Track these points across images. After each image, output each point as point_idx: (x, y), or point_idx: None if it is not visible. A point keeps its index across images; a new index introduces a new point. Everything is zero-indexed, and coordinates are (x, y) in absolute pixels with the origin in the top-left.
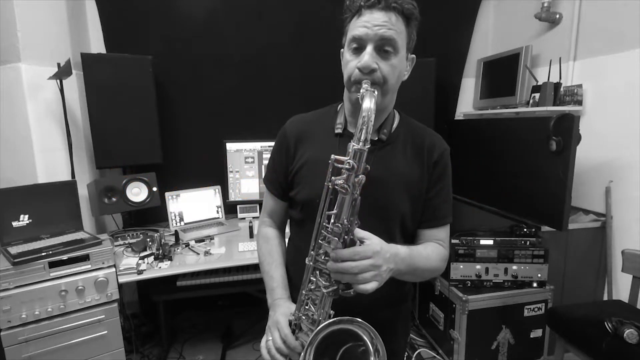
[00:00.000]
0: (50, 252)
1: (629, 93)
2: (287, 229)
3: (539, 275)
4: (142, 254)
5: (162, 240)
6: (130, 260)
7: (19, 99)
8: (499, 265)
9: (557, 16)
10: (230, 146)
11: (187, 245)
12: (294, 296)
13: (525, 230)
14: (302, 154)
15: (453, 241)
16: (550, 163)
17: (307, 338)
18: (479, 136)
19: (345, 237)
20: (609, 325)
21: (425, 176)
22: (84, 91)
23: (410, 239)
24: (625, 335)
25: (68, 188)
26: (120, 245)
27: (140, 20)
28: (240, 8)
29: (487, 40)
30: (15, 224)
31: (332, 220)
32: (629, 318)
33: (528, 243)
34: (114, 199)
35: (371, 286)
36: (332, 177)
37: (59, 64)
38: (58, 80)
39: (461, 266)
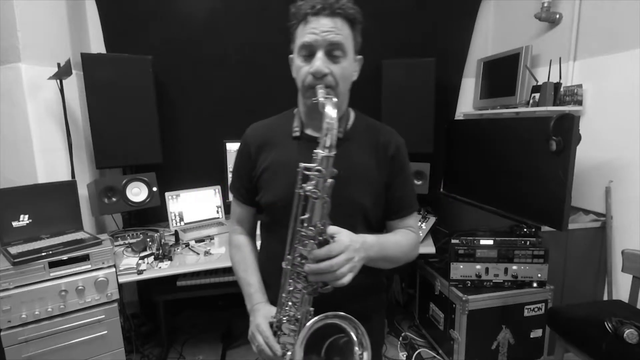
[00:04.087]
0: (50, 252)
1: (628, 93)
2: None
3: (539, 275)
4: (142, 254)
5: (162, 240)
6: (130, 260)
7: (19, 99)
8: (499, 265)
9: (557, 16)
10: (230, 146)
11: (187, 245)
12: (270, 300)
13: (525, 230)
14: (264, 158)
15: (453, 241)
16: (550, 163)
17: (288, 339)
18: (479, 136)
19: (320, 238)
20: (609, 325)
21: (384, 171)
22: (84, 91)
23: (374, 231)
24: (625, 335)
25: (68, 188)
26: (120, 245)
27: (140, 20)
28: (240, 8)
29: (487, 40)
30: (15, 224)
31: (305, 224)
32: (629, 318)
33: (528, 243)
34: (114, 199)
35: (347, 279)
36: (303, 184)
37: (59, 64)
38: (58, 80)
39: (461, 266)
